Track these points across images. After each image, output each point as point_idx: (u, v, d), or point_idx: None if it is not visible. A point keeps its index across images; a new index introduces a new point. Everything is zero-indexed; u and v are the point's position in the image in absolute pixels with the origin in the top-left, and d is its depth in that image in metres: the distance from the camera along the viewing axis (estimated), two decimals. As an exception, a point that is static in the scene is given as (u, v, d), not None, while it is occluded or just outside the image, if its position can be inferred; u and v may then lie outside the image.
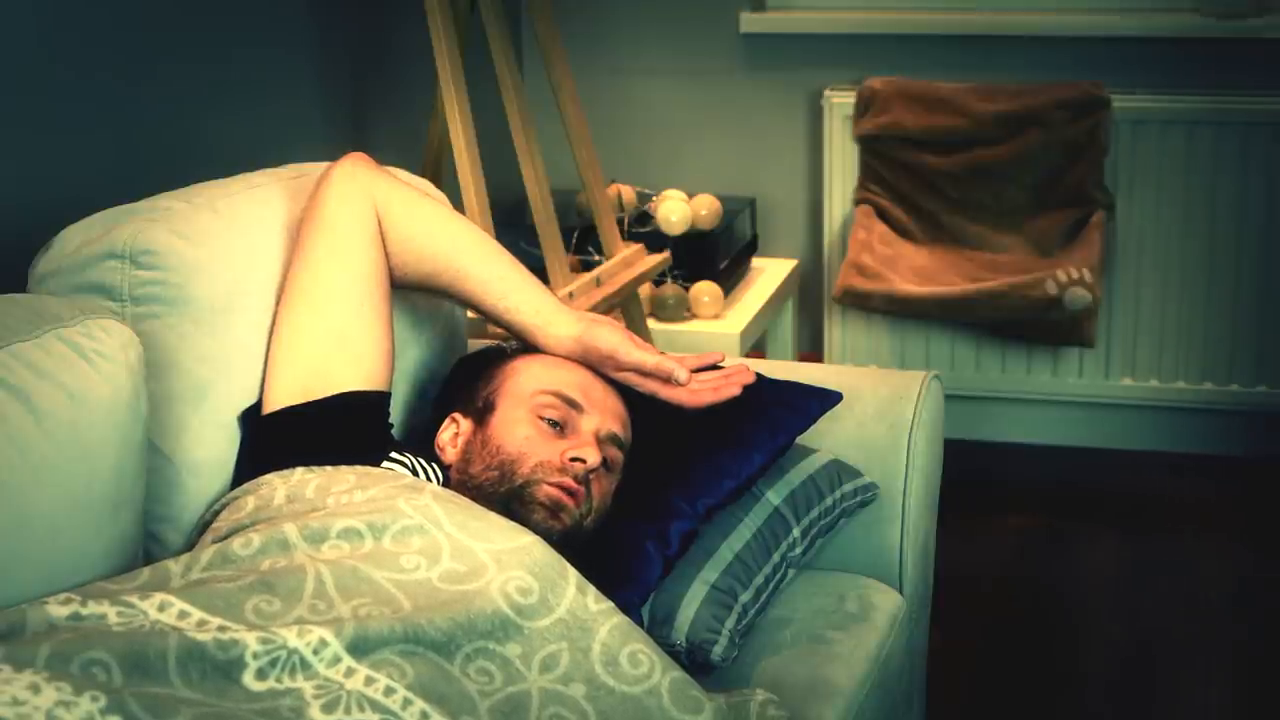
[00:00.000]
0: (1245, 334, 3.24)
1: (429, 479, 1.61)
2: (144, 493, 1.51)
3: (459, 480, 1.62)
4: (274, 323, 1.65)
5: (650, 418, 1.76)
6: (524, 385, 1.67)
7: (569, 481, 1.58)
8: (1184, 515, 3.10)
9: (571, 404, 1.65)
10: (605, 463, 1.64)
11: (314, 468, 1.52)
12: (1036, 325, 3.16)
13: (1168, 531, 3.02)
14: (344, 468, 1.52)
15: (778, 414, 1.82)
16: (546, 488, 1.58)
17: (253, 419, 1.62)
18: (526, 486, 1.58)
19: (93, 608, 1.24)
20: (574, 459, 1.60)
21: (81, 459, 1.39)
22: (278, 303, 1.65)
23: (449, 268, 1.71)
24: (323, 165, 1.80)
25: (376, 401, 1.65)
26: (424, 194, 1.78)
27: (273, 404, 1.61)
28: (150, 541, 1.56)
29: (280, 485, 1.51)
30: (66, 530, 1.38)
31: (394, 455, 1.62)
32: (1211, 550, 2.95)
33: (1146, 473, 3.23)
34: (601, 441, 1.65)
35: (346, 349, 1.63)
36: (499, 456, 1.61)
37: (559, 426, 1.64)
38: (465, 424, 1.68)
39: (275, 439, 1.59)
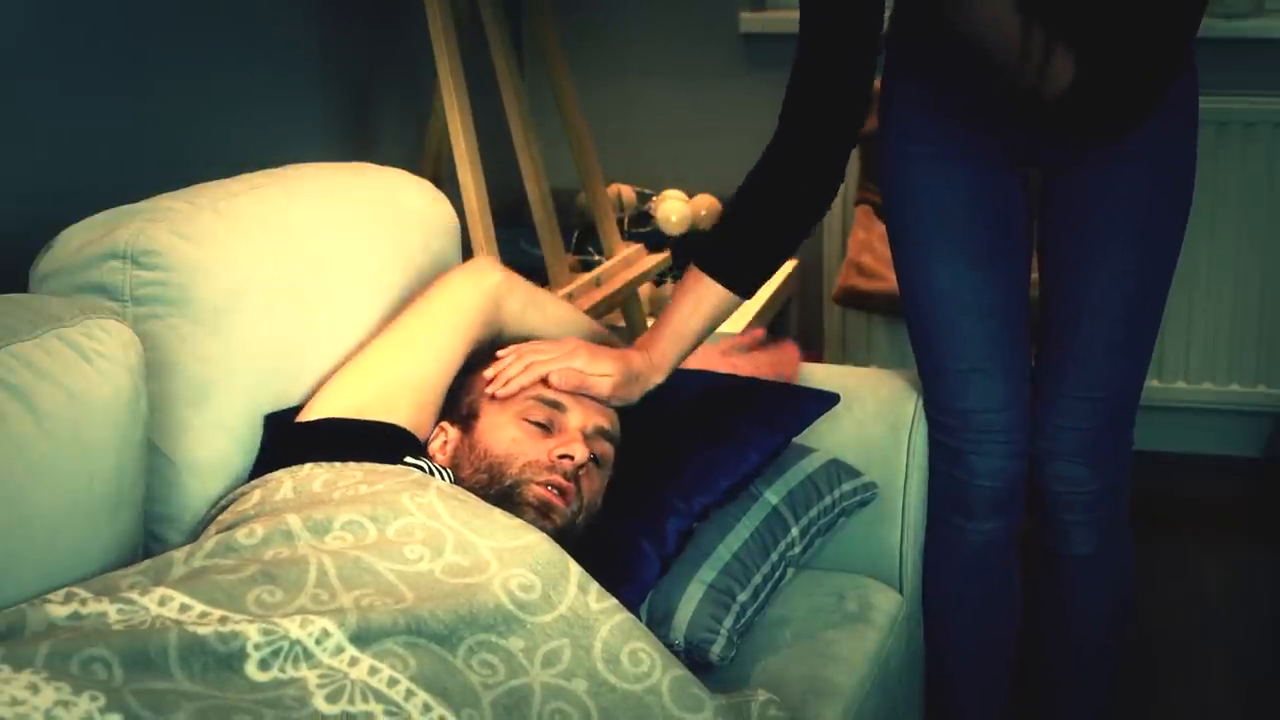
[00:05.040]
0: (1246, 334, 3.24)
1: (442, 479, 1.61)
2: (144, 493, 1.51)
3: (449, 487, 1.63)
4: (357, 348, 1.71)
5: (647, 416, 1.77)
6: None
7: (558, 479, 1.59)
8: (1194, 516, 3.10)
9: (553, 405, 1.66)
10: (595, 458, 1.65)
11: (322, 464, 1.53)
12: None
13: (1176, 532, 3.02)
14: (352, 464, 1.53)
15: (775, 414, 1.82)
16: (535, 488, 1.58)
17: (283, 423, 1.63)
18: (516, 487, 1.59)
19: (93, 606, 1.24)
20: (562, 456, 1.60)
21: (81, 459, 1.39)
22: (281, 304, 1.65)
23: None
24: (324, 165, 1.82)
25: (414, 443, 1.66)
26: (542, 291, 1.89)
27: (319, 412, 1.62)
28: (150, 541, 1.56)
29: (287, 479, 1.51)
30: (66, 530, 1.38)
31: (409, 460, 1.61)
32: (1222, 551, 2.95)
33: (1154, 473, 3.23)
34: (589, 437, 1.65)
35: (416, 396, 1.68)
36: (487, 459, 1.62)
37: (545, 426, 1.65)
38: (453, 431, 1.69)
39: (312, 442, 1.59)
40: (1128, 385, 1.90)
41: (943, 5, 1.61)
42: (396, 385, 1.67)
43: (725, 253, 1.79)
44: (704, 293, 1.78)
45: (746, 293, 1.79)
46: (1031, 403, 1.92)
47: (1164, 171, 1.82)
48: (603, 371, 1.71)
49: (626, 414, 1.75)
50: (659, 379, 1.78)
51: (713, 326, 1.80)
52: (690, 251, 1.79)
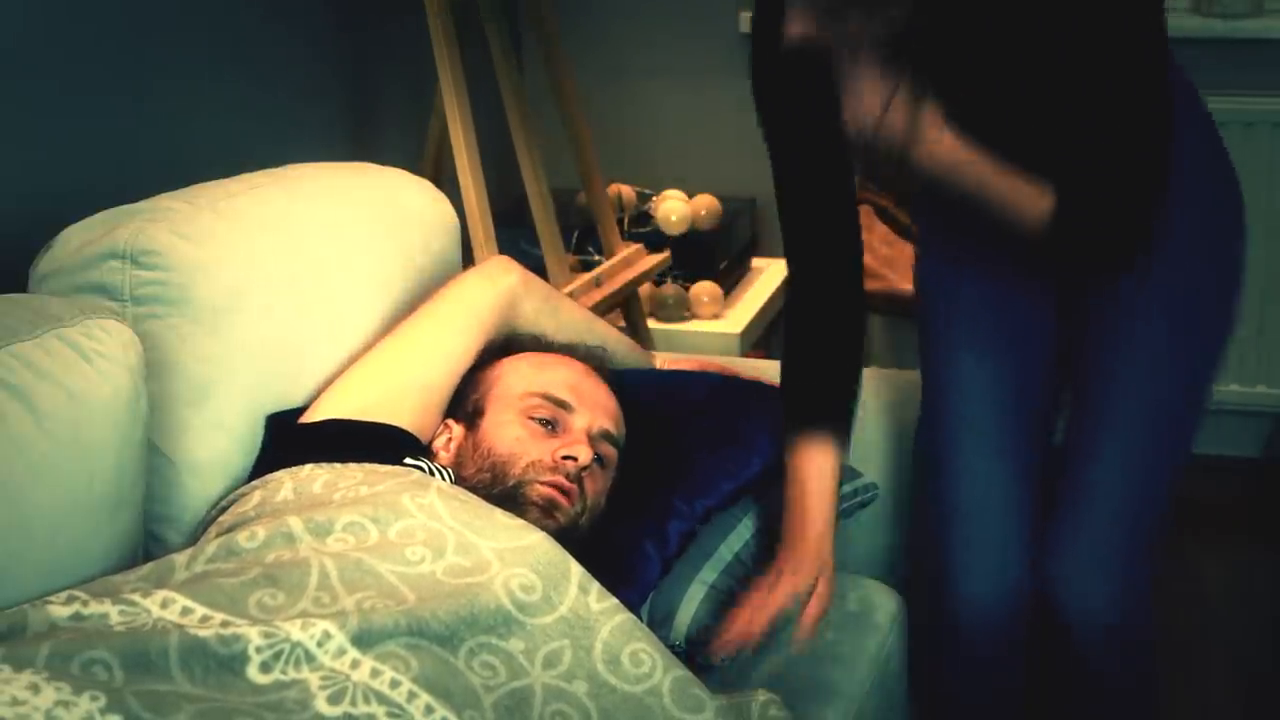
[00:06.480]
0: (1246, 334, 3.23)
1: (443, 479, 1.61)
2: (144, 493, 1.51)
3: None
4: (359, 348, 1.71)
5: (650, 418, 1.77)
6: (512, 387, 1.68)
7: (561, 480, 1.59)
8: (1194, 516, 3.10)
9: (560, 404, 1.66)
10: (599, 459, 1.65)
11: (323, 464, 1.53)
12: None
13: (1175, 532, 3.02)
14: (353, 465, 1.53)
15: (780, 422, 1.81)
16: (539, 487, 1.58)
17: (285, 424, 1.63)
18: (519, 487, 1.58)
19: (94, 607, 1.24)
20: (565, 457, 1.60)
21: (81, 459, 1.39)
22: (281, 304, 1.65)
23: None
24: (324, 165, 1.81)
25: (416, 445, 1.66)
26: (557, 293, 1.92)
27: (323, 413, 1.62)
28: (150, 541, 1.56)
29: (288, 480, 1.51)
30: (66, 530, 1.38)
31: (408, 461, 1.61)
32: (1222, 551, 2.95)
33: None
34: (593, 439, 1.65)
35: (422, 398, 1.68)
36: (490, 458, 1.61)
37: (550, 425, 1.64)
38: (457, 429, 1.69)
39: (313, 443, 1.59)
40: (1148, 509, 1.77)
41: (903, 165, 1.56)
42: (402, 387, 1.67)
43: (813, 406, 1.75)
44: (818, 456, 1.72)
45: (847, 431, 1.75)
46: (1044, 524, 1.77)
47: (1202, 275, 1.72)
48: (813, 590, 1.65)
49: (632, 414, 1.75)
50: (828, 547, 1.70)
51: (838, 484, 1.74)
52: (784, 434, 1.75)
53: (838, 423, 1.74)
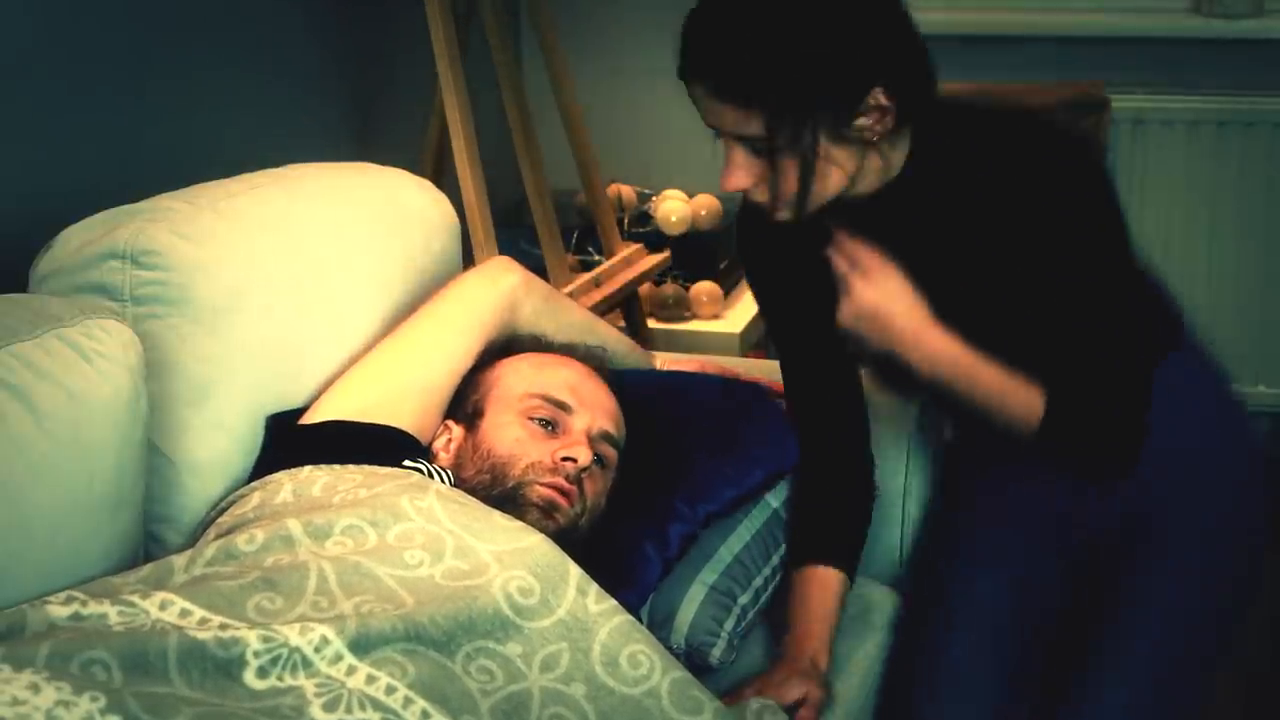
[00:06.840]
0: (1246, 334, 3.23)
1: (443, 482, 1.61)
2: (144, 493, 1.51)
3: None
4: (360, 348, 1.71)
5: (650, 419, 1.76)
6: (512, 388, 1.68)
7: (561, 481, 1.59)
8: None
9: (560, 405, 1.66)
10: (599, 460, 1.64)
11: (323, 465, 1.53)
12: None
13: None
14: (351, 466, 1.52)
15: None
16: (539, 488, 1.58)
17: (285, 425, 1.63)
18: (519, 488, 1.58)
19: (93, 607, 1.24)
20: (565, 458, 1.60)
21: (81, 459, 1.39)
22: (281, 304, 1.65)
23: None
24: (324, 165, 1.81)
25: (416, 447, 1.66)
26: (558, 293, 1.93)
27: (323, 414, 1.62)
28: (150, 542, 1.56)
29: (287, 482, 1.51)
30: (66, 530, 1.38)
31: (407, 463, 1.61)
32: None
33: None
34: (593, 440, 1.65)
35: (422, 400, 1.68)
36: (490, 459, 1.61)
37: (550, 426, 1.64)
38: (457, 430, 1.68)
39: (313, 444, 1.59)
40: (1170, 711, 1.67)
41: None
42: (402, 388, 1.67)
43: (822, 548, 1.76)
44: (824, 582, 1.73)
45: (856, 562, 1.77)
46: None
47: (1220, 533, 1.71)
48: (801, 696, 1.60)
49: (632, 415, 1.74)
50: (823, 662, 1.67)
51: (843, 605, 1.74)
52: (790, 562, 1.77)
53: (846, 561, 1.75)
